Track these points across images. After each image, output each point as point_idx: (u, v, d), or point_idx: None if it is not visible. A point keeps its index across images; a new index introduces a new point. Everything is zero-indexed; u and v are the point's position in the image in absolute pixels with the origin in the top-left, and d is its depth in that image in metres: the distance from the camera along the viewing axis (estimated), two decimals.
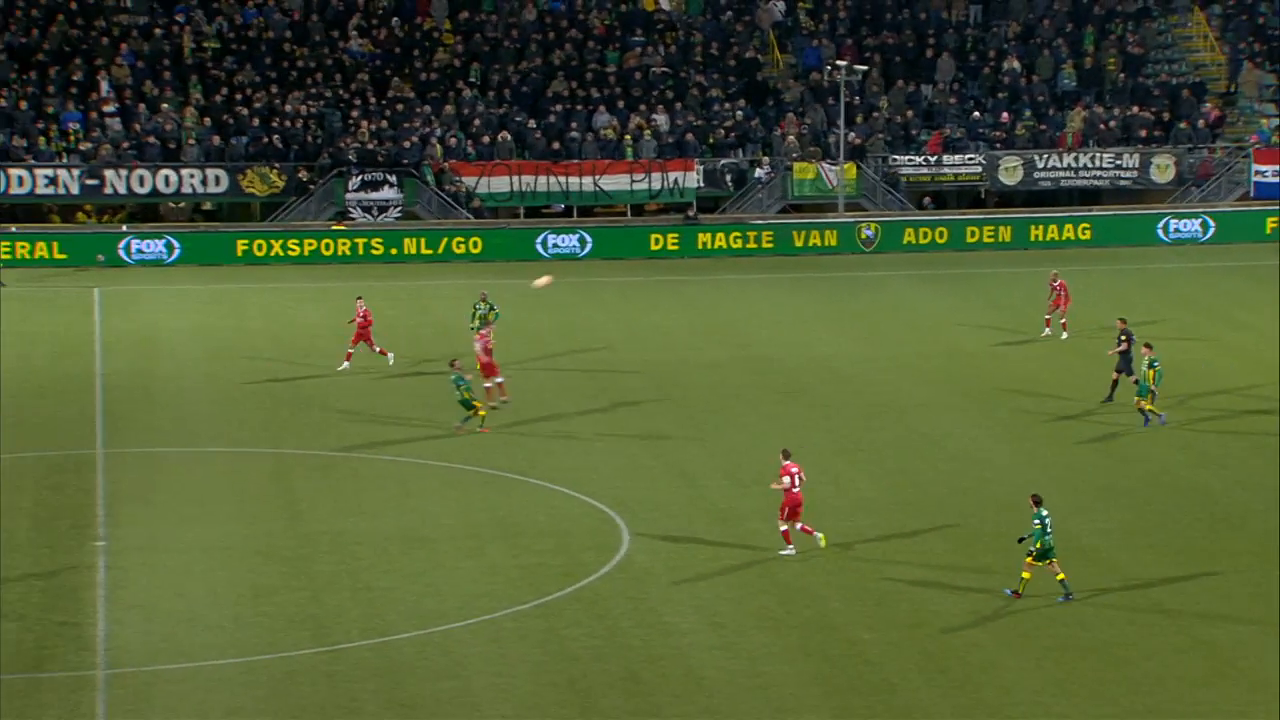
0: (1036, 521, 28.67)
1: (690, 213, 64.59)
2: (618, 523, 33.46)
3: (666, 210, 65.66)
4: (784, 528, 31.39)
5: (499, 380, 41.24)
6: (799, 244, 63.03)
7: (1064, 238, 62.95)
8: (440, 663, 26.94)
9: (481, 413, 39.59)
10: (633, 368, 45.98)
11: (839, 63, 64.79)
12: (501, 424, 40.18)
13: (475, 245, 61.71)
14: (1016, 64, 68.42)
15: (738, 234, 63.26)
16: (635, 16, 70.32)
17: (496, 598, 29.65)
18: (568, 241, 62.33)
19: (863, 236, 63.02)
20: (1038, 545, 28.62)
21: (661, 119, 66.38)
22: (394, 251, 61.33)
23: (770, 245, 62.96)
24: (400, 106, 65.54)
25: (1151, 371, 38.46)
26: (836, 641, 27.58)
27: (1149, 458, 36.99)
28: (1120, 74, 68.14)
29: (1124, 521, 33.08)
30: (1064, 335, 47.86)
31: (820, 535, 31.55)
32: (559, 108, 66.35)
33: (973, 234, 63.46)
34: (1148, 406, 38.70)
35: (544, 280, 30.34)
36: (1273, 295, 53.43)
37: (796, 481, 31.14)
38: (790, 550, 31.27)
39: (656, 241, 62.93)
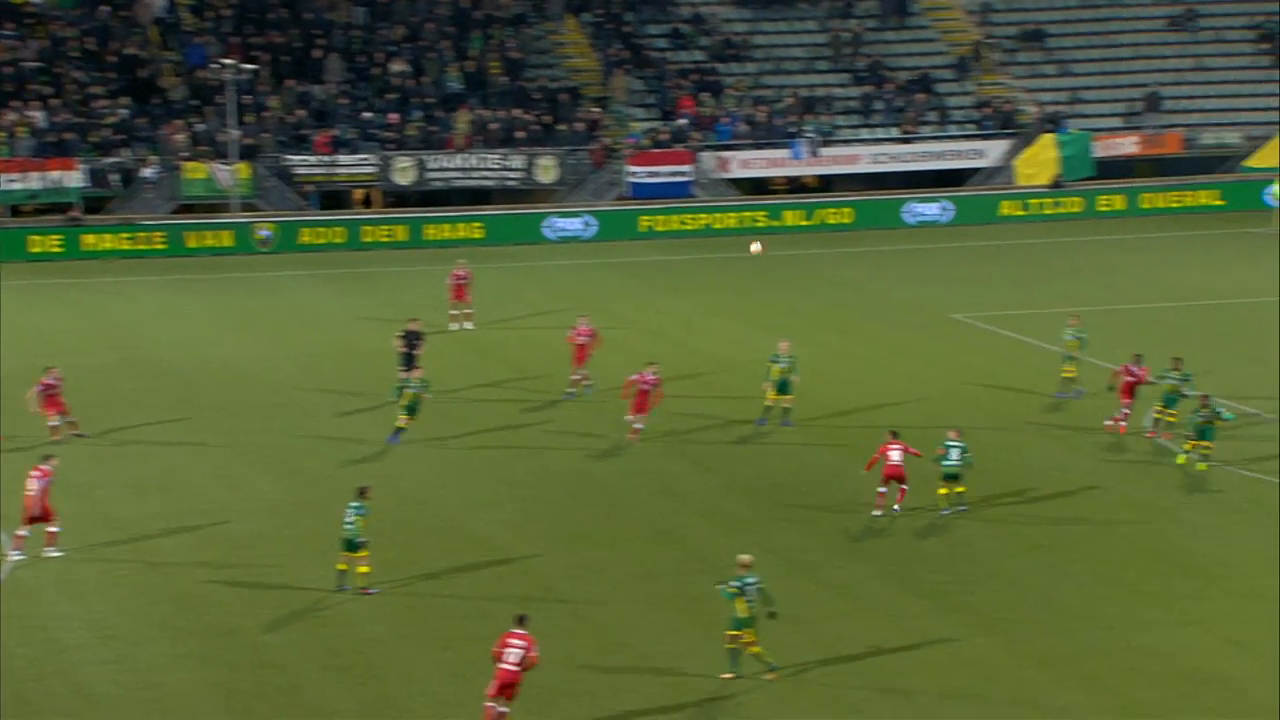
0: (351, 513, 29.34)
1: (74, 213, 61.99)
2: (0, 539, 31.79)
3: (48, 211, 62.78)
4: (22, 532, 30.87)
5: (69, 419, 37.83)
6: (193, 245, 61.66)
7: (458, 236, 64.32)
8: None
9: None
10: (14, 375, 43.74)
11: (225, 61, 63.80)
12: None
13: None
14: (404, 66, 69.35)
15: (126, 235, 61.27)
16: (2, 10, 66.85)
17: None
18: None
19: (259, 237, 62.29)
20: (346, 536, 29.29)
21: (38, 115, 63.36)
22: None
23: (162, 246, 61.31)
24: None
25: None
26: (238, 646, 27.22)
27: (542, 448, 38.26)
28: (503, 77, 70.26)
29: (517, 512, 34.14)
30: (466, 325, 49.06)
31: (56, 551, 30.76)
32: None
33: (369, 233, 63.94)
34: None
35: (757, 247, 28.88)
36: (649, 288, 56.47)
37: (35, 487, 30.66)
38: (31, 552, 30.62)
39: (37, 243, 60.09)
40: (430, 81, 69.38)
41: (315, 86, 68.04)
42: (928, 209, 68.08)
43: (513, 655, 23.82)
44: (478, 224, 64.99)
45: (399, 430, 37.75)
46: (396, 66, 69.22)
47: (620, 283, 57.93)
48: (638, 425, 37.88)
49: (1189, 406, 36.78)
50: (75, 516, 33.13)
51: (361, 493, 29.38)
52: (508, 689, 23.78)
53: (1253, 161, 71.44)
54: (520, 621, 24.29)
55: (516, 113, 68.13)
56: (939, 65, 74.38)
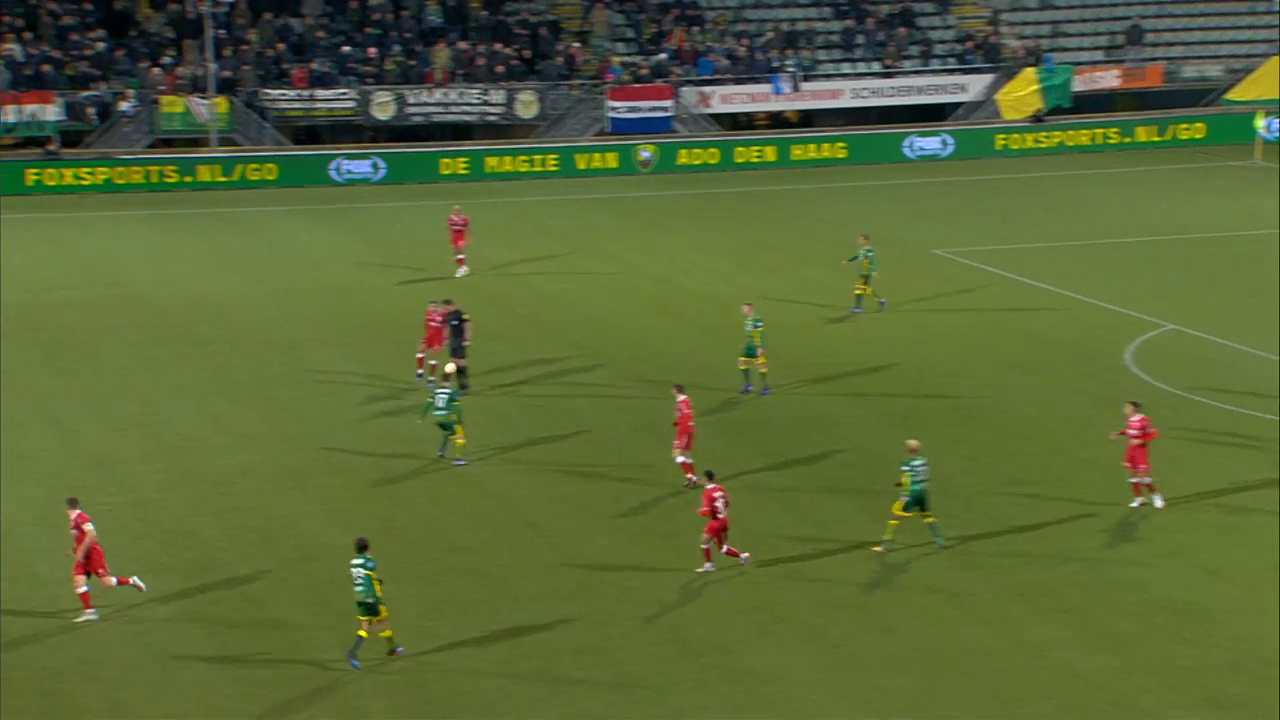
0: None
1: (51, 147, 61.60)
2: None
3: (25, 144, 62.39)
4: (84, 589, 25.73)
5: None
6: (172, 180, 61.34)
7: (444, 173, 63.90)
8: None
9: None
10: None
11: None
12: None
13: None
14: None
15: (104, 169, 60.92)
16: None
17: None
18: None
19: (248, 175, 61.96)
20: None
21: (15, 48, 62.84)
22: None
23: (141, 181, 60.97)
24: None
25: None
26: (220, 582, 27.28)
27: (499, 381, 38.22)
28: (483, 11, 69.78)
29: (500, 448, 34.05)
30: (461, 271, 47.97)
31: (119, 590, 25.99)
32: None
33: (343, 170, 63.51)
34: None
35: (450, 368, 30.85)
36: (630, 225, 56.39)
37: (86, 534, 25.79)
38: (90, 615, 25.71)
39: (31, 176, 59.67)
40: (410, 15, 68.88)
41: (293, 20, 67.53)
42: (929, 143, 67.90)
43: (719, 504, 27.30)
44: (464, 159, 64.56)
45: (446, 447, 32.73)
46: (375, 0, 68.75)
47: (599, 219, 57.76)
48: (685, 460, 31.63)
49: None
50: (55, 452, 33.13)
51: (362, 547, 24.56)
52: (718, 533, 27.45)
53: (1235, 94, 71.41)
54: (710, 476, 27.62)
55: (497, 47, 67.72)
56: None
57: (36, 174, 60.24)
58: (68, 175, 60.44)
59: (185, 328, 42.67)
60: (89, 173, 60.75)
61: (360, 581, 24.25)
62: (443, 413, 32.34)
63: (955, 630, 25.52)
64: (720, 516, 27.24)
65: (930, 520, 28.32)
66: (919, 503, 28.19)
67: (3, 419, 34.96)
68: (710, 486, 27.42)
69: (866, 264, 43.32)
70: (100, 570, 25.75)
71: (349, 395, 37.15)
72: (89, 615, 25.68)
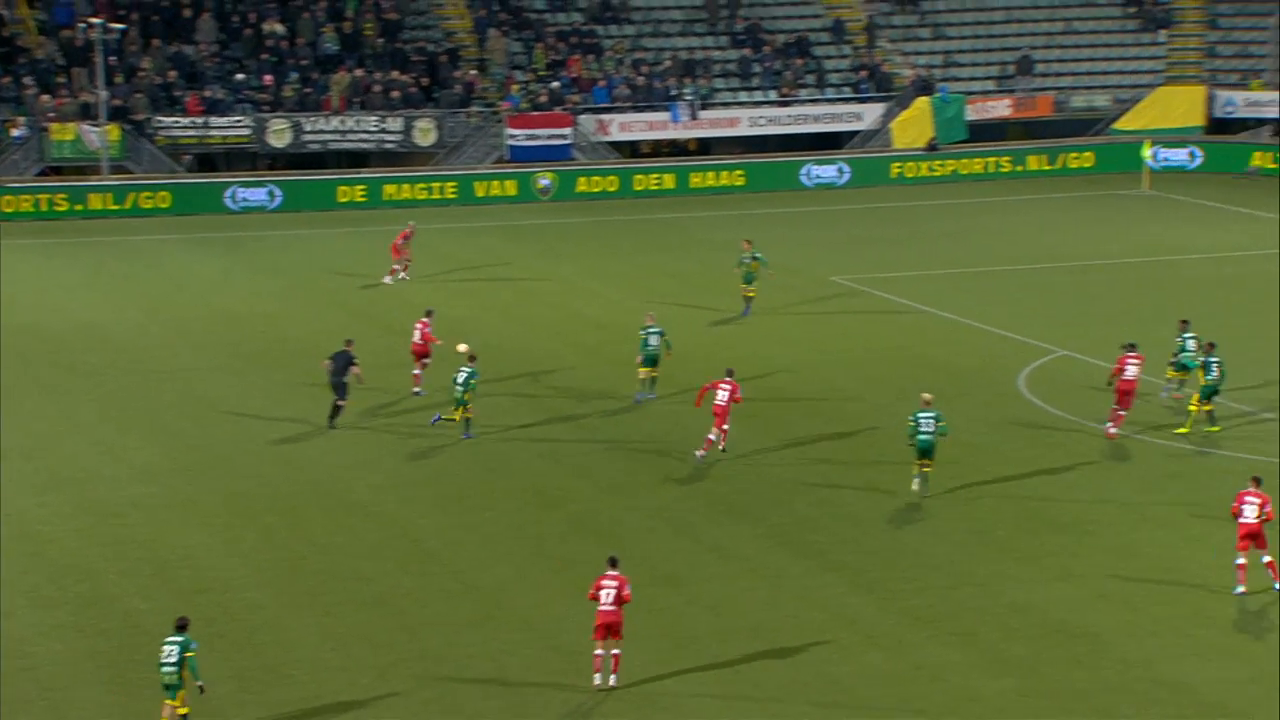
0: None
1: None
2: None
3: None
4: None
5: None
6: (62, 209, 60.51)
7: (341, 201, 63.48)
8: None
9: None
10: None
11: (93, 20, 62.59)
12: None
13: None
14: (279, 26, 68.44)
15: None
16: None
17: None
18: None
19: (140, 203, 61.24)
20: None
21: None
22: None
23: (30, 209, 60.10)
24: None
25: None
26: (111, 615, 26.88)
27: (420, 407, 38.05)
28: (379, 39, 69.55)
29: (400, 474, 33.96)
30: (387, 279, 49.99)
31: None
32: None
33: (238, 198, 62.96)
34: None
35: (464, 347, 35.67)
36: (529, 252, 56.32)
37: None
38: None
39: None
40: (306, 43, 68.50)
41: (187, 47, 66.95)
42: (825, 171, 68.43)
43: (608, 596, 24.33)
44: (362, 187, 64.15)
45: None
46: (270, 27, 68.26)
47: (497, 246, 57.68)
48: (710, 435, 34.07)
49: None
50: None
51: (181, 627, 23.22)
52: (610, 629, 24.36)
53: (1123, 124, 72.65)
54: (613, 564, 24.81)
55: (394, 75, 67.50)
56: (816, 29, 74.72)
57: None
58: None
59: (75, 357, 42.08)
60: None
61: (170, 660, 22.63)
62: (460, 390, 35.36)
63: (854, 655, 25.64)
64: (606, 608, 24.32)
65: (927, 470, 31.68)
66: (924, 453, 31.56)
67: None
68: (610, 575, 24.61)
69: (755, 265, 45.65)
70: None
71: (243, 424, 36.77)
72: None
